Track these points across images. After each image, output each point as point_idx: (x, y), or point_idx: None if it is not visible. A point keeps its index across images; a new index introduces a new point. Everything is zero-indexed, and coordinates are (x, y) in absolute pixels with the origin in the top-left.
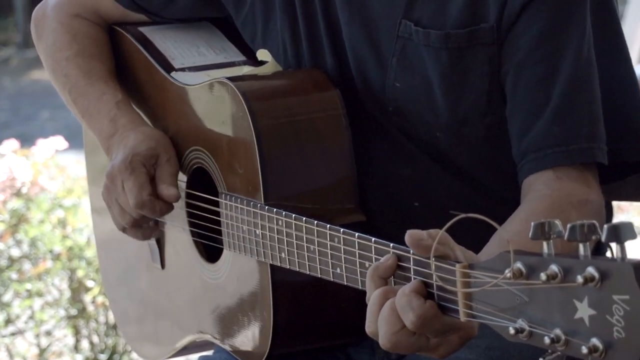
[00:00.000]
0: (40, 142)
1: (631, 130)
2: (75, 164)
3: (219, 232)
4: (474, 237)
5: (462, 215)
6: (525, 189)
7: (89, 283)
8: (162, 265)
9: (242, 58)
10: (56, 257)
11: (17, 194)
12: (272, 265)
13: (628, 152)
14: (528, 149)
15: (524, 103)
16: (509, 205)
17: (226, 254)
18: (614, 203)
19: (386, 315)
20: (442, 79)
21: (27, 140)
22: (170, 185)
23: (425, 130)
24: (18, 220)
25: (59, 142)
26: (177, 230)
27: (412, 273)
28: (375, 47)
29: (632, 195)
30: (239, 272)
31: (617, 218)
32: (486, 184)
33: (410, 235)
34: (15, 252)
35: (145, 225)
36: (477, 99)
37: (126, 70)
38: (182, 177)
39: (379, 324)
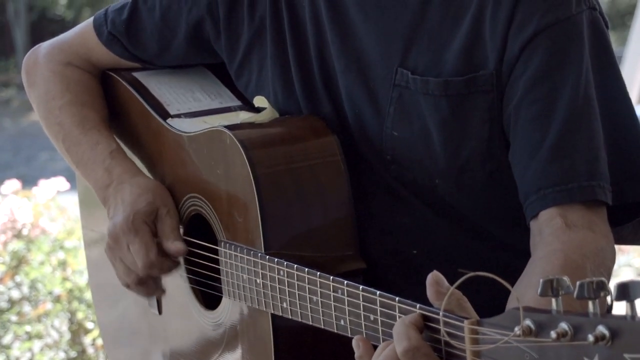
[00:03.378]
0: (42, 183)
1: (636, 170)
2: (76, 206)
3: (218, 280)
4: (480, 289)
5: (472, 274)
6: (534, 233)
7: (89, 325)
8: (159, 311)
9: (238, 103)
10: (56, 299)
11: (18, 235)
12: (273, 314)
13: (634, 193)
14: (529, 190)
15: (522, 143)
16: (510, 251)
17: (225, 301)
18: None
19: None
20: (442, 127)
21: (27, 181)
22: (176, 240)
23: (424, 178)
24: (18, 262)
25: (60, 183)
26: (175, 276)
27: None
28: (372, 96)
29: (633, 239)
30: (238, 320)
31: (617, 260)
32: (486, 231)
33: (433, 276)
34: (15, 294)
35: (149, 281)
36: (477, 146)
37: (121, 116)
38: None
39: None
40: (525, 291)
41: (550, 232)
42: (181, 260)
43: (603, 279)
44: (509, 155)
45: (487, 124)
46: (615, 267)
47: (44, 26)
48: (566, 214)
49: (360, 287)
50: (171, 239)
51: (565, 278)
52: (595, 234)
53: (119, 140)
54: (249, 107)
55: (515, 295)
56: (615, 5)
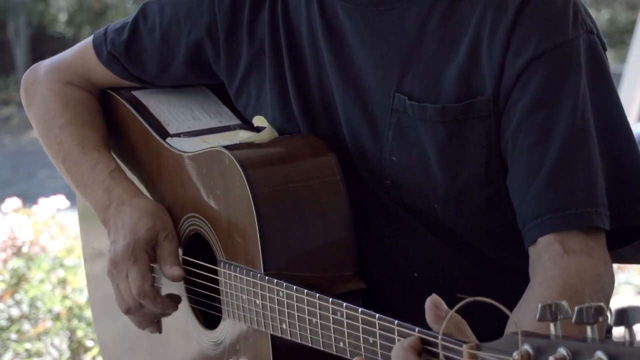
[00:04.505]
0: (42, 201)
1: (634, 193)
2: (76, 224)
3: (218, 300)
4: (479, 314)
5: (471, 299)
6: (533, 259)
7: (89, 343)
8: (159, 330)
9: (237, 122)
10: (56, 317)
11: (18, 253)
12: (272, 335)
13: (632, 217)
14: (527, 217)
15: (519, 170)
16: (510, 274)
17: (225, 321)
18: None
19: None
20: (439, 152)
21: (27, 198)
22: (173, 265)
23: (423, 202)
24: (18, 280)
25: (60, 201)
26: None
27: None
28: (371, 121)
29: (633, 258)
30: (238, 340)
31: (616, 278)
32: (486, 254)
33: (432, 299)
34: (15, 312)
35: (147, 311)
36: (475, 171)
37: (121, 135)
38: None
39: None
40: (523, 316)
41: (549, 258)
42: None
43: (602, 304)
44: (507, 180)
45: (485, 149)
46: (615, 284)
47: (44, 44)
48: (564, 240)
49: (359, 309)
50: (168, 264)
51: (564, 303)
52: (594, 259)
53: (118, 160)
54: (249, 126)
55: (514, 320)
56: (615, 23)
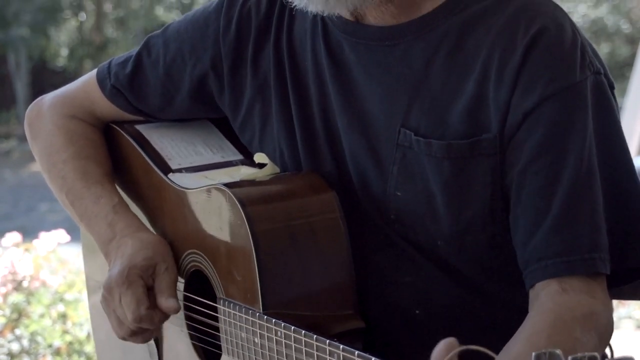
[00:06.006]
0: (42, 235)
1: (635, 234)
2: (77, 258)
3: (218, 337)
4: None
5: (463, 348)
6: (532, 299)
7: None
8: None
9: (239, 157)
10: (56, 352)
11: (18, 287)
12: None
13: (633, 258)
14: (530, 259)
15: (525, 212)
16: (512, 310)
17: (225, 357)
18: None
19: None
20: (444, 189)
21: (27, 232)
22: (170, 297)
23: (426, 238)
24: (18, 315)
25: (60, 235)
26: (176, 330)
27: None
28: (375, 155)
29: (633, 295)
30: None
31: (617, 312)
32: (489, 291)
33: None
34: (15, 347)
35: (145, 332)
36: (479, 209)
37: (124, 169)
38: (180, 279)
39: None
40: (512, 345)
41: (546, 294)
42: (182, 315)
43: (595, 354)
44: (509, 219)
45: (490, 186)
46: (616, 319)
47: (45, 78)
48: (564, 280)
49: (356, 352)
50: (165, 295)
51: (558, 351)
52: (592, 299)
53: (122, 193)
54: (251, 161)
55: None
56: (614, 57)
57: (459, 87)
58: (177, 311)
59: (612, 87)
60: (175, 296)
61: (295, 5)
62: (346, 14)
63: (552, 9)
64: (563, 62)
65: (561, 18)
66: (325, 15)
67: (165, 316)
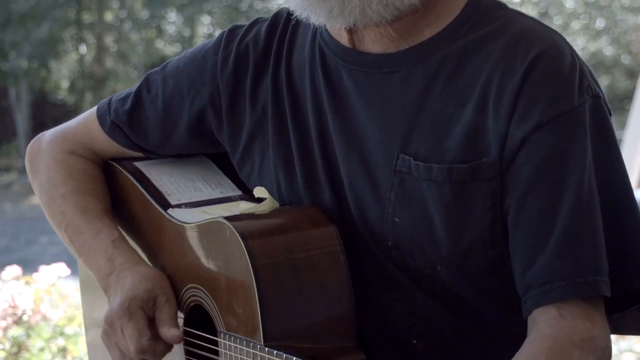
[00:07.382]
0: (42, 269)
1: (633, 258)
2: (77, 292)
3: None
4: None
5: None
6: (530, 325)
7: None
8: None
9: (239, 193)
10: None
11: (18, 321)
12: None
13: (631, 281)
14: (532, 283)
15: (526, 236)
16: (510, 339)
17: None
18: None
19: None
20: (444, 213)
21: (27, 265)
22: (172, 327)
23: (425, 264)
24: (18, 349)
25: (61, 268)
26: None
27: None
28: (373, 182)
29: (634, 329)
30: None
31: (618, 345)
32: (487, 319)
33: None
34: None
35: None
36: (480, 233)
37: (123, 205)
38: (180, 315)
39: None
40: None
41: (544, 320)
42: (182, 350)
43: None
44: (509, 243)
45: (490, 210)
46: (617, 352)
47: (45, 110)
48: (563, 306)
49: None
50: (167, 325)
51: None
52: (591, 324)
53: (121, 229)
54: (250, 196)
55: None
56: (614, 90)
57: (458, 111)
58: (180, 341)
59: (609, 113)
60: (177, 326)
61: (296, 17)
62: (344, 26)
63: (551, 34)
64: (561, 86)
65: (560, 42)
66: (327, 27)
67: (168, 347)
